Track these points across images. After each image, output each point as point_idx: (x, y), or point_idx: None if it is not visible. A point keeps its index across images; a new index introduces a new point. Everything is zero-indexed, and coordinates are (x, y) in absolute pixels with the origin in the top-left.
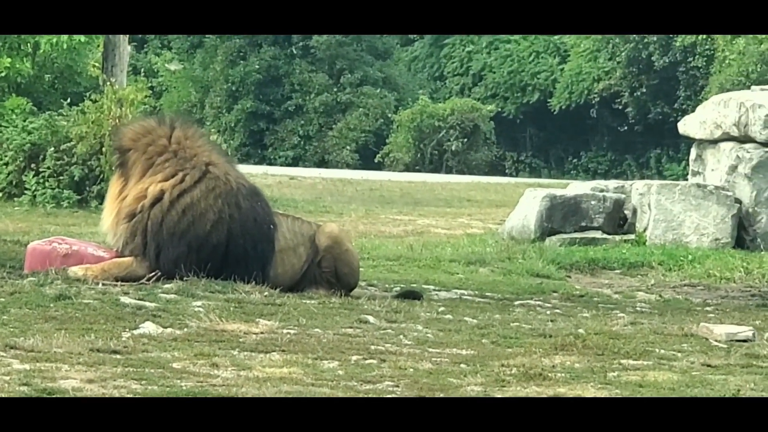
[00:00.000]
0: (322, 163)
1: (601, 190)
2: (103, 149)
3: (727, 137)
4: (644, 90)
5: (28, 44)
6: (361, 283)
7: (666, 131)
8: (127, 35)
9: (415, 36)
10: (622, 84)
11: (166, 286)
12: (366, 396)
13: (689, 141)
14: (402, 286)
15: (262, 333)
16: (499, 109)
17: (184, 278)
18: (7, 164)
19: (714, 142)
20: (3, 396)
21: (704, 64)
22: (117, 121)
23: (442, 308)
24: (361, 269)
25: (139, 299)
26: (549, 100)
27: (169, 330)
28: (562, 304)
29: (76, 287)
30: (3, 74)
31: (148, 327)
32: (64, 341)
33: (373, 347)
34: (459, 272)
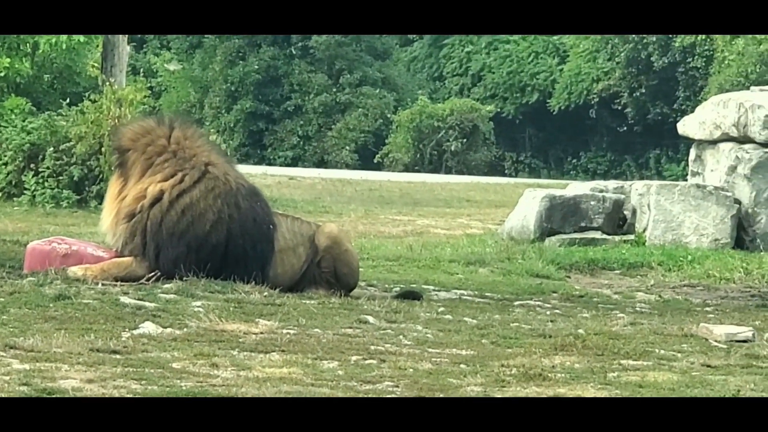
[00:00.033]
0: (322, 164)
1: (601, 191)
2: (103, 149)
3: (727, 138)
4: (643, 90)
5: (28, 44)
6: (361, 284)
7: (665, 132)
8: (126, 35)
9: (414, 36)
10: (622, 84)
11: (166, 286)
12: (366, 396)
13: (688, 141)
14: (401, 286)
15: (261, 333)
16: (499, 110)
17: (184, 278)
18: (6, 164)
19: (713, 142)
20: (3, 396)
21: (703, 64)
22: (116, 121)
23: (441, 308)
24: (360, 269)
25: (138, 299)
26: (548, 101)
27: (168, 330)
28: (562, 304)
29: (76, 287)
30: (2, 74)
31: (148, 327)
32: (64, 341)
33: (372, 347)
34: (458, 272)
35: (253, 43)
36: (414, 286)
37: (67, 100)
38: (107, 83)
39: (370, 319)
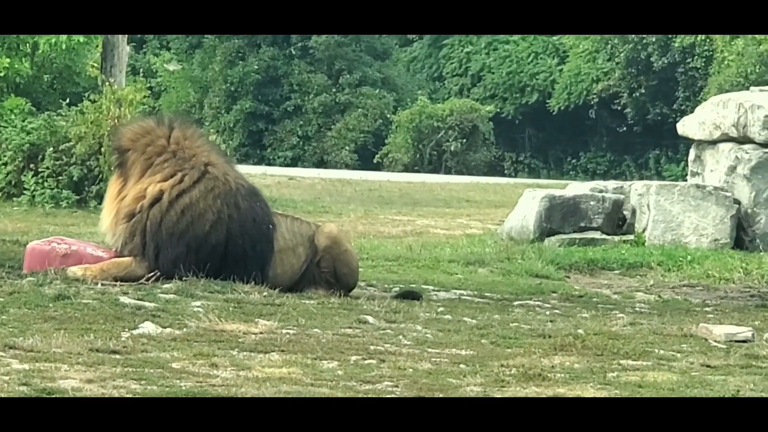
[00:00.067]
0: (321, 164)
1: (600, 191)
2: (102, 149)
3: (726, 138)
4: (643, 91)
5: (27, 44)
6: (360, 284)
7: (665, 132)
8: (126, 36)
9: (413, 36)
10: (621, 85)
11: (165, 286)
12: (365, 396)
13: (688, 142)
14: (401, 286)
15: (261, 333)
16: (498, 110)
17: (183, 278)
18: (6, 164)
19: (713, 142)
20: (2, 396)
21: (703, 65)
22: (116, 121)
23: (441, 308)
24: (360, 269)
25: (138, 299)
26: (548, 101)
27: (168, 330)
28: (562, 304)
29: (75, 287)
30: (2, 74)
31: (148, 327)
32: (64, 341)
33: (372, 347)
34: (458, 272)
35: (253, 43)
36: (413, 286)
37: (67, 101)
38: (107, 83)
39: (370, 319)
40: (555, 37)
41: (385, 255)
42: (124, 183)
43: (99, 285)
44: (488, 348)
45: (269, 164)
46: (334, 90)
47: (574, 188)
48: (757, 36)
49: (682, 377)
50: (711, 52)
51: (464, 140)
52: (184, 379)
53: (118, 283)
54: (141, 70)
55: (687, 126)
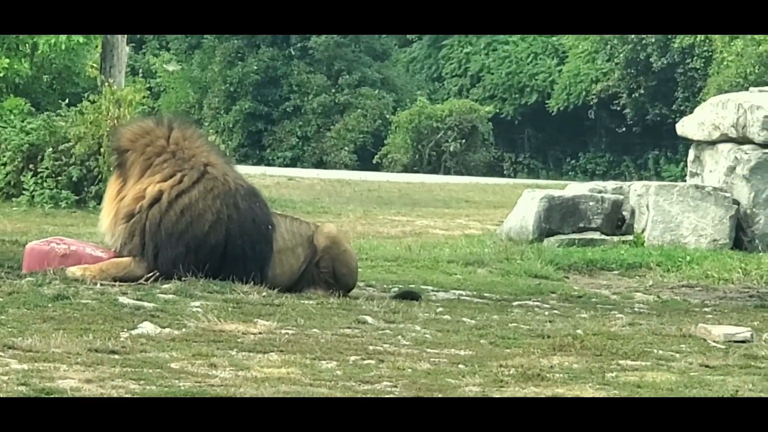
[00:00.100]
0: (321, 164)
1: (600, 191)
2: (102, 150)
3: (726, 138)
4: (642, 91)
5: (27, 45)
6: (360, 284)
7: (664, 132)
8: (125, 36)
9: (413, 37)
10: (621, 85)
11: (165, 286)
12: (364, 396)
13: (687, 142)
14: (400, 286)
15: (260, 333)
16: (498, 110)
17: (183, 278)
18: (5, 164)
19: (712, 143)
20: (2, 396)
21: (702, 65)
22: (115, 121)
23: (440, 309)
24: (359, 270)
25: (137, 299)
26: (547, 102)
27: (167, 330)
28: (561, 304)
29: (75, 287)
30: (1, 75)
31: (147, 327)
32: (63, 341)
33: (371, 347)
34: (457, 273)
35: (252, 43)
36: (412, 286)
37: (66, 101)
38: (106, 84)
39: (369, 319)
40: (554, 38)
41: (384, 255)
42: (124, 183)
43: (98, 285)
44: (487, 348)
45: (268, 165)
46: (333, 90)
47: (574, 189)
48: (756, 36)
49: (681, 377)
50: (710, 53)
51: (463, 141)
52: (183, 379)
53: (117, 283)
54: (140, 70)
55: (686, 126)
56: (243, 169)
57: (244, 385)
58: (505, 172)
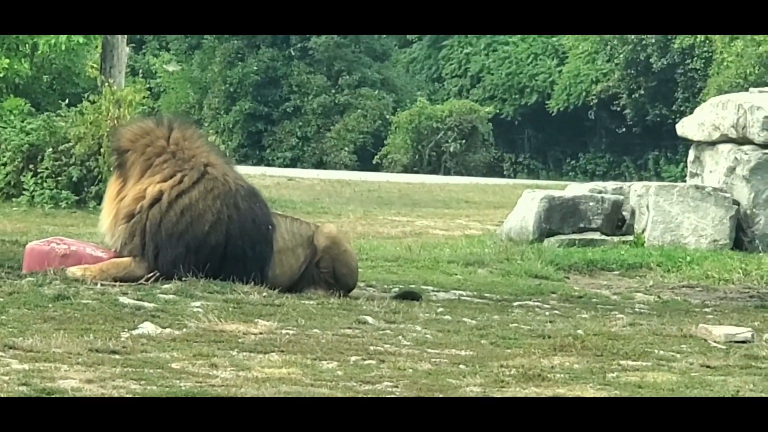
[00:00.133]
0: (321, 165)
1: (600, 192)
2: (102, 150)
3: (726, 139)
4: (642, 92)
5: (27, 45)
6: (360, 284)
7: (664, 133)
8: (125, 36)
9: (413, 37)
10: (621, 86)
11: (165, 286)
12: (365, 396)
13: (687, 143)
14: (400, 286)
15: (260, 333)
16: (498, 111)
17: (183, 279)
18: (5, 165)
19: (712, 143)
20: (2, 396)
21: (702, 66)
22: (115, 122)
23: (440, 309)
24: (359, 270)
25: (137, 299)
26: (547, 102)
27: (167, 330)
28: (561, 305)
29: (75, 287)
30: (1, 75)
31: (147, 327)
32: (63, 341)
33: (371, 348)
34: (457, 273)
35: (252, 44)
36: (413, 286)
37: (66, 101)
38: (106, 84)
39: (369, 319)
40: (554, 38)
41: (385, 255)
42: (124, 183)
43: (98, 285)
44: (488, 348)
45: (268, 165)
46: (333, 91)
47: (574, 189)
48: (756, 37)
49: (682, 378)
50: (710, 54)
51: (463, 141)
52: (184, 379)
53: (117, 283)
54: (140, 70)
55: (686, 127)
56: (243, 170)
57: (245, 386)
58: (505, 172)
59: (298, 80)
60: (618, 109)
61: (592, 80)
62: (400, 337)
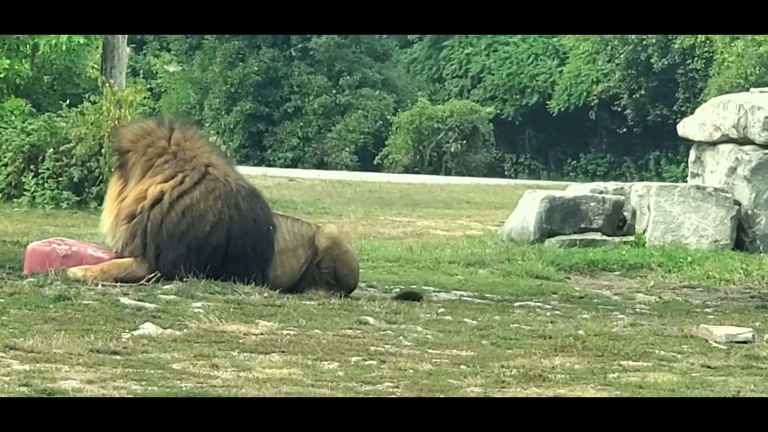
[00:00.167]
0: (321, 165)
1: (601, 192)
2: (103, 150)
3: (726, 139)
4: (643, 92)
5: (27, 45)
6: (361, 285)
7: (665, 133)
8: (126, 37)
9: (413, 38)
10: (621, 86)
11: (166, 287)
12: (366, 396)
13: (688, 143)
14: (401, 287)
15: (261, 334)
16: (498, 111)
17: (184, 279)
18: (6, 165)
19: (713, 144)
20: (3, 396)
21: (703, 66)
22: (116, 122)
23: (441, 309)
24: (360, 270)
25: (138, 300)
26: (548, 102)
27: (168, 331)
28: (562, 305)
29: (76, 288)
30: (2, 75)
31: (148, 328)
32: (64, 342)
33: (372, 348)
34: (458, 273)
35: (253, 44)
36: (414, 287)
37: (67, 102)
38: (107, 84)
39: (370, 320)
40: (555, 39)
41: (386, 256)
42: (125, 184)
43: (99, 286)
44: (489, 349)
45: (269, 165)
46: (334, 91)
47: (575, 189)
48: (757, 37)
49: (683, 378)
50: (711, 54)
51: (464, 141)
52: (185, 379)
53: (118, 284)
54: (141, 71)
55: (687, 127)
56: (244, 170)
57: (246, 386)
58: (506, 172)
59: (299, 81)
60: (619, 109)
61: (592, 80)
62: (401, 337)
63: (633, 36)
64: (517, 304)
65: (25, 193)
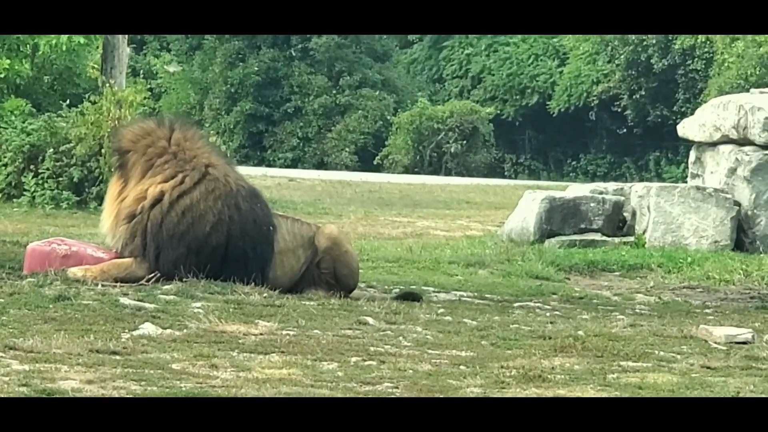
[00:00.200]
0: (321, 165)
1: (601, 193)
2: (103, 151)
3: (726, 140)
4: (643, 93)
5: (27, 45)
6: (361, 285)
7: (665, 134)
8: (126, 37)
9: (414, 38)
10: (621, 86)
11: (166, 287)
12: (365, 396)
13: (688, 143)
14: (401, 287)
15: (261, 334)
16: (498, 112)
17: (184, 279)
18: (6, 165)
19: (713, 144)
20: (2, 396)
21: (703, 66)
22: (116, 122)
23: (441, 310)
24: (360, 271)
25: (138, 300)
26: (548, 103)
27: (168, 331)
28: (562, 305)
29: (76, 288)
30: (2, 75)
31: (148, 328)
32: (64, 342)
33: (372, 348)
34: (458, 274)
35: (253, 44)
36: (414, 287)
37: (67, 102)
38: (107, 85)
39: (370, 320)
40: (555, 39)
41: (386, 256)
42: (125, 184)
43: (99, 286)
44: (488, 349)
45: (269, 166)
46: (334, 92)
47: (575, 190)
48: (757, 38)
49: (682, 379)
50: (711, 54)
51: (464, 142)
52: (184, 380)
53: (118, 284)
54: (141, 71)
55: (687, 128)
56: (244, 170)
57: (246, 386)
58: (506, 173)
59: (299, 81)
60: (619, 109)
61: (592, 81)
62: (401, 337)
63: (633, 36)
64: (516, 304)
65: (25, 193)
